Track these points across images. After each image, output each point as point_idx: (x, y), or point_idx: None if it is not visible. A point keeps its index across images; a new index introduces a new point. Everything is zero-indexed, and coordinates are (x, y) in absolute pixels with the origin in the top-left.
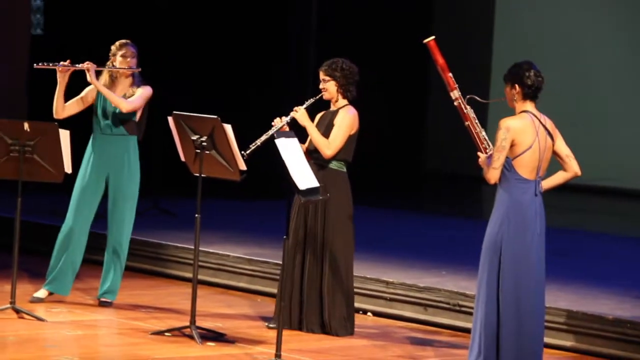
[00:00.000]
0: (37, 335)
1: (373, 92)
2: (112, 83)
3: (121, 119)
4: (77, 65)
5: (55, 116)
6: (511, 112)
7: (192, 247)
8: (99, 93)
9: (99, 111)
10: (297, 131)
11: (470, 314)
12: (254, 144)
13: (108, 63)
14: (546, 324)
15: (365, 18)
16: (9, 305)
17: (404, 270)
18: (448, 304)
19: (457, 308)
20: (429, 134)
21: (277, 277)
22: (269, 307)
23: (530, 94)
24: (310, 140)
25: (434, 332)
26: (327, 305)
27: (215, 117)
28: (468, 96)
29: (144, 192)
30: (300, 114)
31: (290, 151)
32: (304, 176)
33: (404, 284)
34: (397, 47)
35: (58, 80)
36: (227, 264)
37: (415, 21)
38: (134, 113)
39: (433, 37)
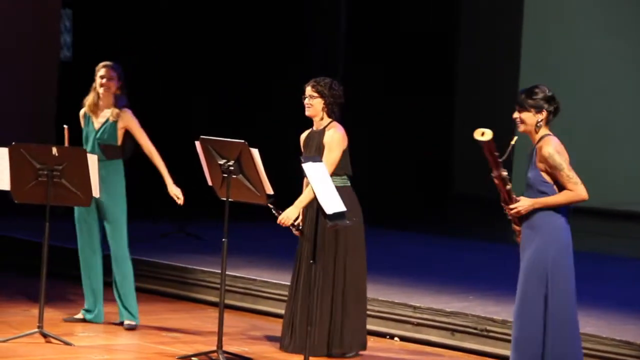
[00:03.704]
0: (65, 359)
1: (401, 114)
2: (96, 104)
3: (100, 143)
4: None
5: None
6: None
7: (219, 271)
8: (86, 121)
9: (84, 137)
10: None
11: (499, 339)
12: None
13: (94, 84)
14: None
15: (391, 42)
16: (36, 330)
17: (431, 295)
18: (475, 329)
19: (485, 333)
20: (457, 157)
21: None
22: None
23: (552, 119)
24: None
25: (461, 358)
26: (337, 324)
27: (243, 141)
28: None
29: (170, 215)
30: (286, 215)
31: (318, 175)
32: (331, 200)
33: (431, 309)
34: (424, 68)
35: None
36: (254, 288)
37: (441, 42)
38: (114, 138)
39: (491, 135)
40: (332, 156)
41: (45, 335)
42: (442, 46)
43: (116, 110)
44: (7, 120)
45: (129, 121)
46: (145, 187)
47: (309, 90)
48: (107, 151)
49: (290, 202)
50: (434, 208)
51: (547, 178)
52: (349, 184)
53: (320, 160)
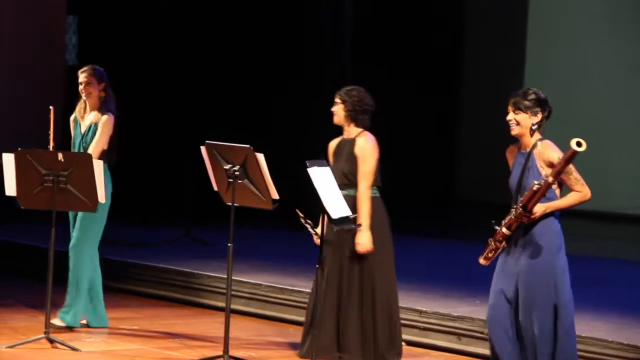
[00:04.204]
0: None
1: (404, 118)
2: (83, 108)
3: (84, 147)
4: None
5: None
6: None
7: (225, 276)
8: (75, 124)
9: (72, 141)
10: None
11: None
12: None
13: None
14: (581, 353)
15: (396, 46)
16: (43, 335)
17: (438, 300)
18: (482, 333)
19: None
20: (461, 161)
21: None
22: (300, 336)
23: (545, 123)
24: (337, 173)
25: None
26: (369, 333)
27: (248, 146)
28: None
29: (176, 220)
30: (366, 243)
31: (323, 180)
32: (336, 205)
33: (437, 313)
34: (429, 73)
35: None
36: (260, 293)
37: (447, 46)
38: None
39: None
40: (367, 167)
41: (51, 341)
42: (447, 50)
43: (99, 114)
44: (13, 125)
45: (102, 126)
46: (152, 194)
47: (335, 98)
48: None
49: (295, 206)
50: (439, 211)
51: (548, 190)
52: (379, 195)
53: (327, 165)
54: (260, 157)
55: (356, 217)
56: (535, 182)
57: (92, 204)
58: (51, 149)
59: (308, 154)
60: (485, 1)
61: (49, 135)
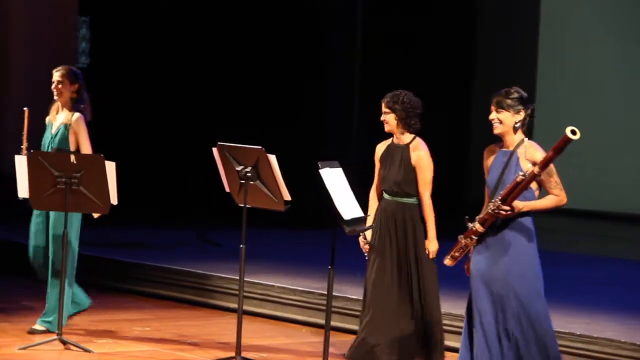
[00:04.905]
0: None
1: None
2: (56, 110)
3: (52, 148)
4: None
5: None
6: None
7: (237, 277)
8: (47, 126)
9: (42, 142)
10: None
11: None
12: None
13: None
14: (593, 354)
15: (407, 51)
16: (56, 337)
17: (450, 301)
18: None
19: None
20: (472, 163)
21: (322, 308)
22: (313, 337)
23: (527, 122)
24: (387, 181)
25: None
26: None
27: (260, 147)
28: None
29: (188, 222)
30: (434, 250)
31: (335, 181)
32: (348, 206)
33: (449, 314)
34: (441, 79)
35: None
36: (272, 294)
37: (458, 51)
38: (67, 143)
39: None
40: (427, 177)
41: (64, 342)
42: (458, 55)
43: (69, 115)
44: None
45: (77, 127)
46: (164, 196)
47: (383, 106)
48: None
49: (306, 208)
50: (448, 213)
51: (531, 183)
52: (418, 203)
53: (339, 166)
54: (272, 158)
55: (367, 218)
56: (520, 173)
57: (104, 205)
58: (24, 149)
59: (320, 153)
60: (496, 17)
61: (22, 135)
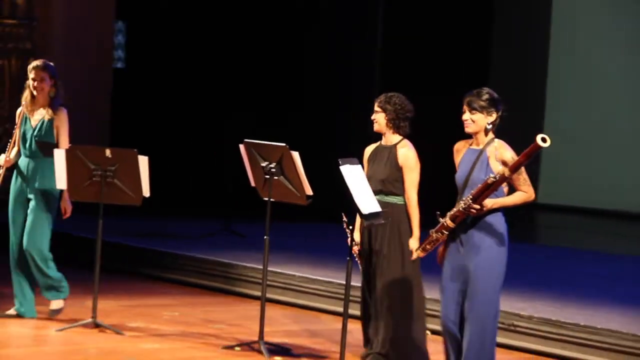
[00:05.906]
0: (116, 348)
1: (428, 123)
2: (32, 101)
3: (38, 141)
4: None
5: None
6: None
7: (261, 267)
8: (23, 119)
9: (21, 135)
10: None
11: (525, 333)
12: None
13: (27, 83)
14: (596, 344)
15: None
16: (90, 320)
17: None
18: (503, 324)
19: (512, 328)
20: None
21: (341, 297)
22: (331, 324)
23: (499, 123)
24: (373, 179)
25: None
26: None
27: (284, 144)
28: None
29: (216, 214)
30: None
31: (354, 177)
32: (366, 201)
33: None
34: (455, 78)
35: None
36: (294, 283)
37: (471, 54)
38: (51, 136)
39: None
40: (413, 176)
41: (98, 325)
42: (472, 58)
43: (51, 110)
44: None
45: (61, 120)
46: (194, 189)
47: (375, 106)
48: (44, 148)
49: (324, 203)
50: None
51: (502, 184)
52: (404, 203)
53: (359, 163)
54: (296, 155)
55: (384, 213)
56: (492, 174)
57: (137, 197)
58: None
59: (339, 150)
60: (510, 25)
61: (13, 133)
